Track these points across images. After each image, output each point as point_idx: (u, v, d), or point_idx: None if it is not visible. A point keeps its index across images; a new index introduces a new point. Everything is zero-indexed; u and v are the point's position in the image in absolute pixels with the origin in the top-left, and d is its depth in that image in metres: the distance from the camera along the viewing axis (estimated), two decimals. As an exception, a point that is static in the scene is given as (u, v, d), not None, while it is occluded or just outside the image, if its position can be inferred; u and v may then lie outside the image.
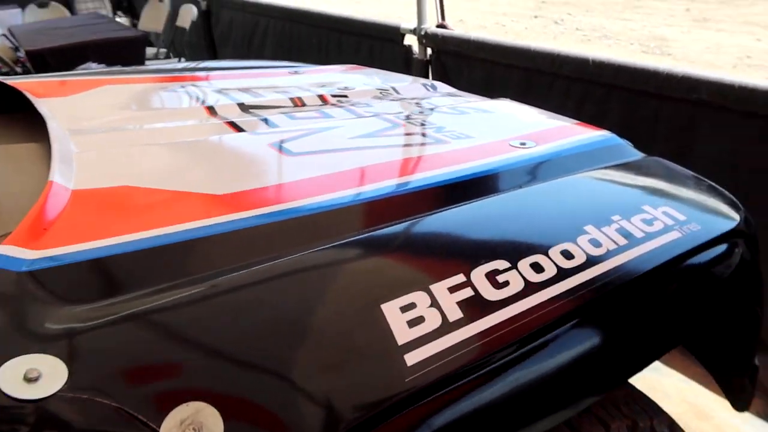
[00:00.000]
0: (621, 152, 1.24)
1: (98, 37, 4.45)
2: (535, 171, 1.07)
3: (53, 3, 6.28)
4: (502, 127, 1.34)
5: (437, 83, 1.89)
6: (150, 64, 4.80)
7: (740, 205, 0.99)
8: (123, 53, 4.45)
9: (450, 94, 1.76)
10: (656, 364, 2.24)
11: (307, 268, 0.69)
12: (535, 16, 9.83)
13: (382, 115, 1.42)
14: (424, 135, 1.25)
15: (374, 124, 1.33)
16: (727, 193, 1.04)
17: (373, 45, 3.63)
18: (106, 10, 8.22)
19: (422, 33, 3.18)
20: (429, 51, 3.22)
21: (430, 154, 1.10)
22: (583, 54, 2.36)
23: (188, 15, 4.97)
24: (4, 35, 4.80)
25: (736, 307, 0.96)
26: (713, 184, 1.09)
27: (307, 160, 1.07)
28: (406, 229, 0.77)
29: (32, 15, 6.03)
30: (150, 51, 5.62)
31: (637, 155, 1.24)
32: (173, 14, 5.51)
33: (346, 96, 1.66)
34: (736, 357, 1.06)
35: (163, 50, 5.46)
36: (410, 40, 3.34)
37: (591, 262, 0.75)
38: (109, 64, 4.44)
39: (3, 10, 6.60)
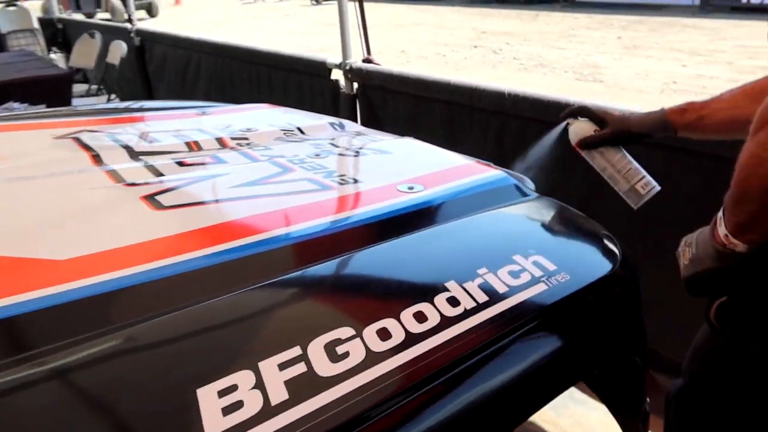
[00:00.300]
0: (511, 193, 1.22)
1: (21, 76, 4.29)
2: (415, 218, 1.03)
3: (-22, 41, 6.08)
4: (395, 169, 1.32)
5: (346, 122, 1.86)
6: (76, 104, 4.65)
7: (618, 249, 0.97)
8: (48, 91, 4.31)
9: (357, 133, 1.73)
10: (583, 398, 2.22)
11: (125, 348, 0.62)
12: (475, 46, 10.03)
13: (276, 158, 1.38)
14: (311, 181, 1.21)
15: (264, 170, 1.28)
16: (607, 235, 1.02)
17: (301, 80, 3.61)
18: (40, 46, 8.01)
19: (347, 68, 3.17)
20: (356, 85, 3.21)
21: (308, 204, 1.05)
22: (500, 87, 2.38)
23: (117, 51, 4.87)
24: None
25: (616, 351, 0.94)
26: (596, 226, 1.08)
27: (175, 215, 1.01)
28: (246, 297, 0.72)
29: (-45, 53, 5.81)
30: (83, 88, 5.47)
31: (528, 196, 1.22)
32: (104, 50, 5.39)
33: (246, 138, 1.61)
34: (627, 401, 1.04)
35: (95, 87, 5.32)
36: (338, 75, 3.34)
37: (444, 324, 0.71)
38: (33, 103, 4.28)
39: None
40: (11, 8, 8.00)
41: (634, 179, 1.13)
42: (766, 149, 0.73)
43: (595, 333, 0.87)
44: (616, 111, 1.22)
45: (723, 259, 0.84)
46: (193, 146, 1.52)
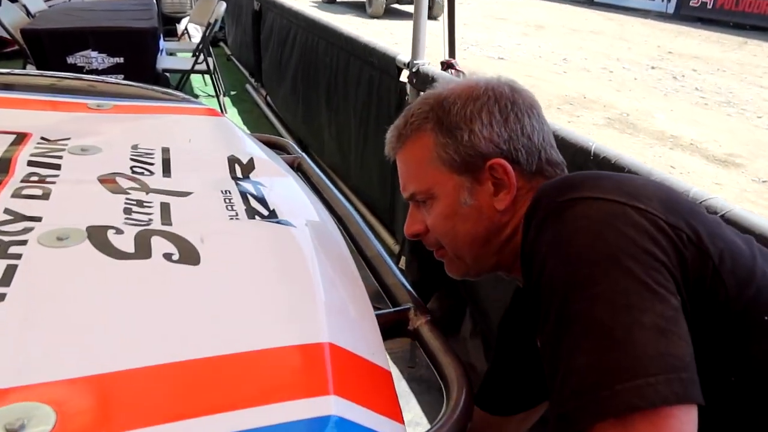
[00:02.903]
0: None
1: (100, 25, 4.02)
2: None
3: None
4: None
5: (265, 162, 1.11)
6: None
7: None
8: (128, 45, 4.00)
9: (243, 189, 0.97)
10: None
11: None
12: (652, 67, 8.57)
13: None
14: None
15: None
16: None
17: (372, 75, 2.88)
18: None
19: (413, 70, 2.39)
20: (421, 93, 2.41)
21: None
22: (586, 142, 1.49)
23: (218, 11, 4.49)
24: (23, 7, 4.54)
25: None
26: None
27: None
28: None
29: (91, -7, 5.80)
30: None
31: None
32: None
33: (55, 166, 0.94)
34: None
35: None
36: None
37: None
38: (111, 54, 4.01)
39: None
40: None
41: None
42: None
43: None
44: None
45: None
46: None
